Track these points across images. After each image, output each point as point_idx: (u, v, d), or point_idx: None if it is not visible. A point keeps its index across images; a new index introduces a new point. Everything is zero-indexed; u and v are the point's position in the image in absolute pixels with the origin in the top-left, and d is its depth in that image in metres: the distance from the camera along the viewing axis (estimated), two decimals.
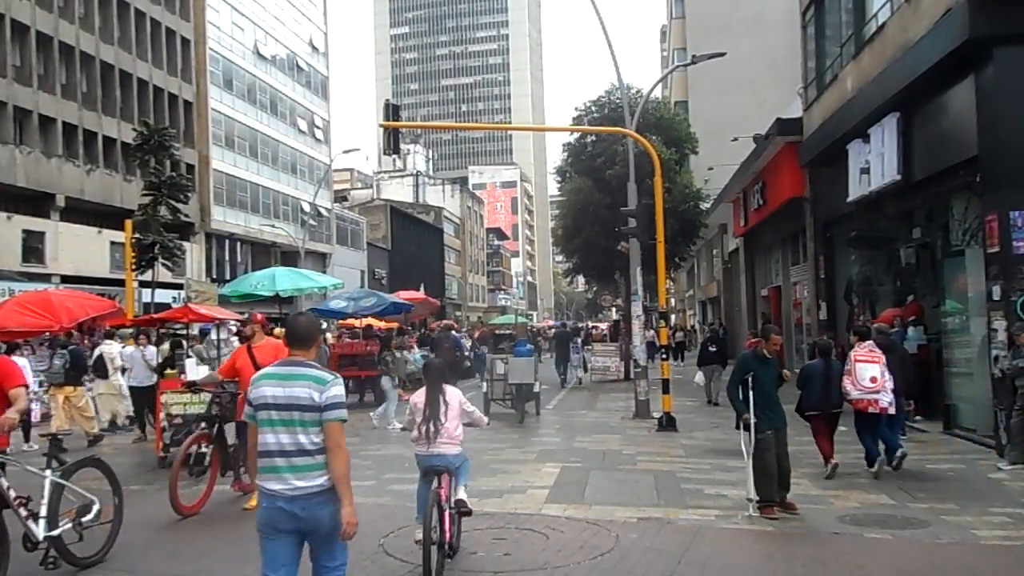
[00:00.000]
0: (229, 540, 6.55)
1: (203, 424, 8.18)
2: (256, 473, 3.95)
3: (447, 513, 5.53)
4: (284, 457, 3.77)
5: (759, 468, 7.13)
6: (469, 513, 5.90)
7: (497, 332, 30.25)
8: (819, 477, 8.73)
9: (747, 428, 7.21)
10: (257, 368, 6.56)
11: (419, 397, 5.88)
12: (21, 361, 12.86)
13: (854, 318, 16.01)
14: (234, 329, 14.70)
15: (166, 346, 13.96)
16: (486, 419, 6.59)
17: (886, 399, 8.56)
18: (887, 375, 8.61)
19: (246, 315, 9.75)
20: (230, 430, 10.46)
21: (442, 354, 17.02)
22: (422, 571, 5.17)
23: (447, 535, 5.50)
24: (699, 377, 16.00)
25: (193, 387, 9.14)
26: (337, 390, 3.88)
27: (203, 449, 7.93)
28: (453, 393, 5.93)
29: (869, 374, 8.60)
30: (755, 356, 7.55)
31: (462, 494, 5.84)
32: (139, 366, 12.91)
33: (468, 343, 28.50)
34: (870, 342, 9.04)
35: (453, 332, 26.29)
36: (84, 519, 5.76)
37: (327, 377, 3.91)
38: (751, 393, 7.25)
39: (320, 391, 3.82)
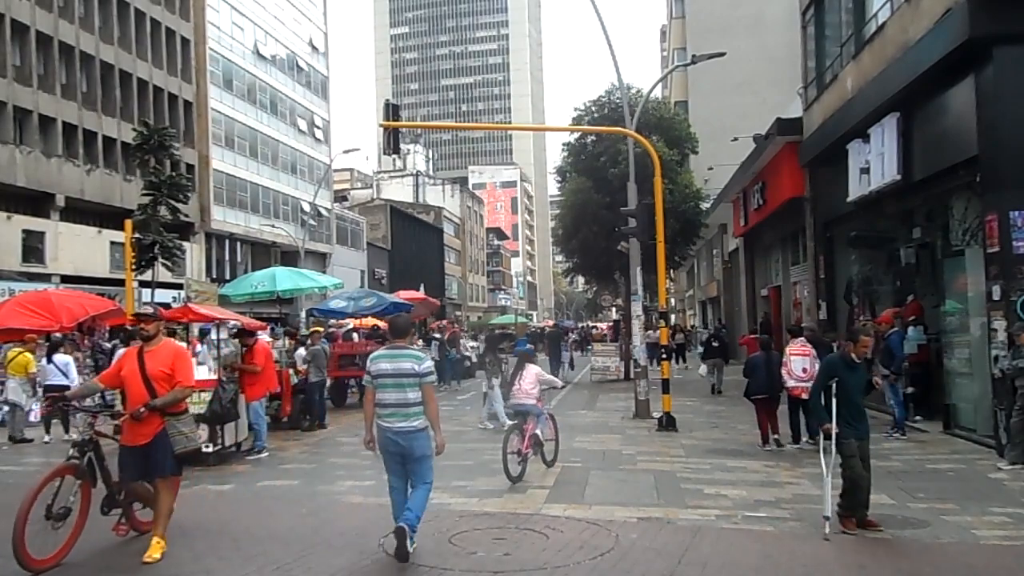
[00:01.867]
0: (229, 540, 6.55)
1: (71, 452, 5.96)
2: (372, 419, 5.89)
3: (528, 437, 8.82)
4: (395, 407, 5.79)
5: (850, 479, 6.56)
6: (542, 445, 9.14)
7: (498, 332, 30.22)
8: (819, 477, 8.72)
9: (827, 438, 6.65)
10: (146, 378, 5.86)
11: (528, 371, 9.39)
12: (65, 359, 13.05)
13: (854, 318, 16.02)
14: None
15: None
16: (559, 382, 11.48)
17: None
18: (817, 366, 9.50)
19: (246, 314, 9.62)
20: (229, 430, 10.49)
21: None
22: (504, 472, 8.41)
23: (525, 448, 8.74)
24: (703, 369, 18.91)
25: (64, 404, 6.78)
26: (428, 364, 5.94)
27: (71, 493, 5.84)
28: (531, 368, 9.47)
29: (801, 366, 10.35)
30: (842, 360, 6.97)
31: (538, 431, 9.05)
32: None
33: (471, 343, 28.57)
34: (802, 338, 10.83)
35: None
36: None
37: (422, 355, 5.98)
38: (834, 401, 6.64)
39: (418, 364, 5.83)
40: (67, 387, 12.59)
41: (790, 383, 10.37)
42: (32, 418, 13.61)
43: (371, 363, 5.96)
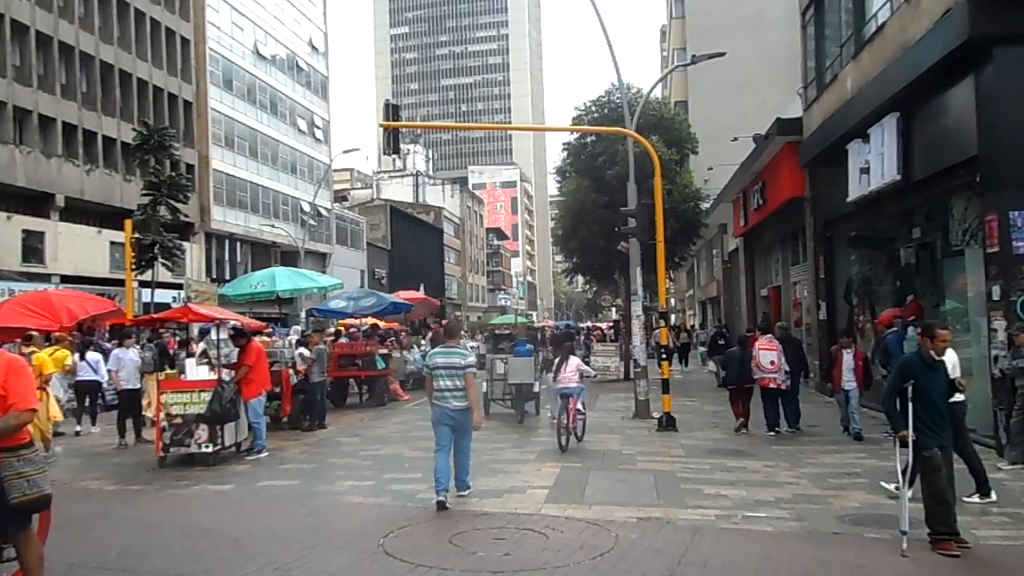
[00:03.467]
0: (229, 540, 6.55)
1: None
2: (433, 398, 7.75)
3: (573, 415, 10.90)
4: (448, 391, 7.66)
5: (932, 494, 5.99)
6: (583, 415, 11.58)
7: (497, 332, 30.21)
8: (819, 477, 8.74)
9: (904, 446, 6.06)
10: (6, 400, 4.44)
11: (570, 361, 11.67)
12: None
13: (854, 318, 16.03)
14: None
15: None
16: (593, 372, 14.21)
17: (780, 377, 11.75)
18: (783, 359, 11.80)
19: (246, 314, 9.66)
20: (229, 430, 10.50)
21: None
22: (557, 444, 10.62)
23: (571, 425, 10.83)
24: (711, 365, 21.40)
25: None
26: (472, 358, 7.88)
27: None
28: (572, 360, 11.76)
29: (768, 359, 11.78)
30: (920, 360, 6.28)
31: (580, 407, 11.29)
32: (128, 367, 12.77)
33: (470, 343, 28.49)
34: (770, 335, 12.36)
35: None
36: None
37: (467, 353, 8.02)
38: (911, 404, 6.05)
39: (463, 359, 7.75)
40: (97, 383, 13.64)
41: (758, 374, 11.85)
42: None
43: (429, 358, 8.07)
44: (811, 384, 15.90)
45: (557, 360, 11.94)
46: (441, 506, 7.40)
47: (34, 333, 13.17)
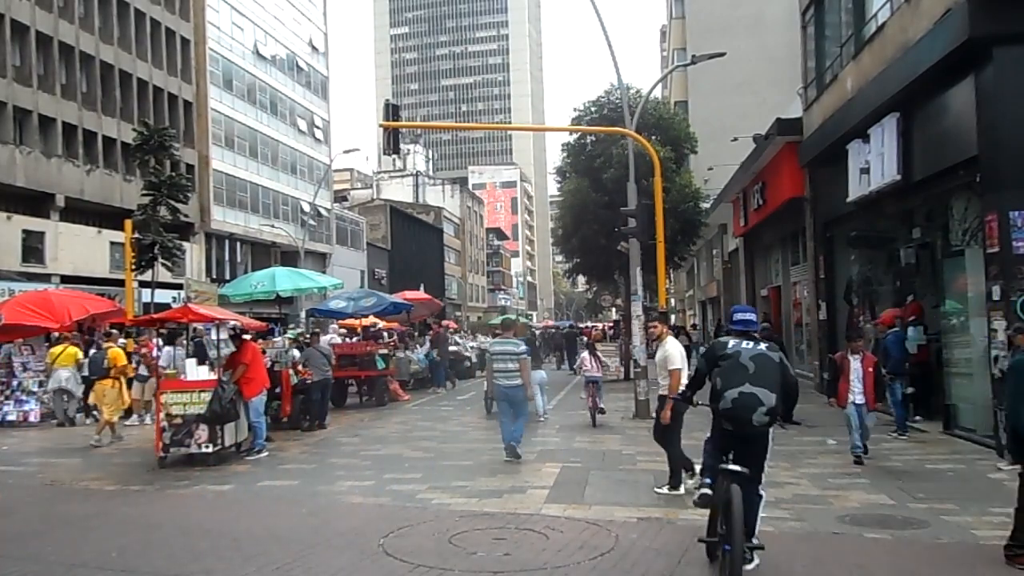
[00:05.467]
0: (229, 540, 6.55)
1: None
2: (491, 380, 10.14)
3: (593, 396, 13.47)
4: (502, 373, 9.71)
5: None
6: (601, 412, 13.70)
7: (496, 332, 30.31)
8: (819, 477, 8.74)
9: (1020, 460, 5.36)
10: None
11: (585, 355, 14.54)
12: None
13: (854, 318, 16.02)
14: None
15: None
16: (612, 364, 17.46)
17: None
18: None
19: (246, 314, 9.72)
20: (229, 430, 10.50)
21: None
22: (590, 420, 13.33)
23: (596, 407, 13.47)
24: None
25: None
26: (523, 348, 9.96)
27: None
28: (591, 355, 14.27)
29: None
30: None
31: (601, 392, 13.90)
32: (179, 364, 13.62)
33: (470, 343, 28.57)
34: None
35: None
36: None
37: (519, 342, 10.06)
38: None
39: (516, 348, 9.82)
40: (147, 378, 14.79)
41: None
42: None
43: (491, 347, 10.62)
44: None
45: (587, 356, 14.48)
46: (509, 451, 9.85)
47: (113, 331, 14.81)
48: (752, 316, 5.91)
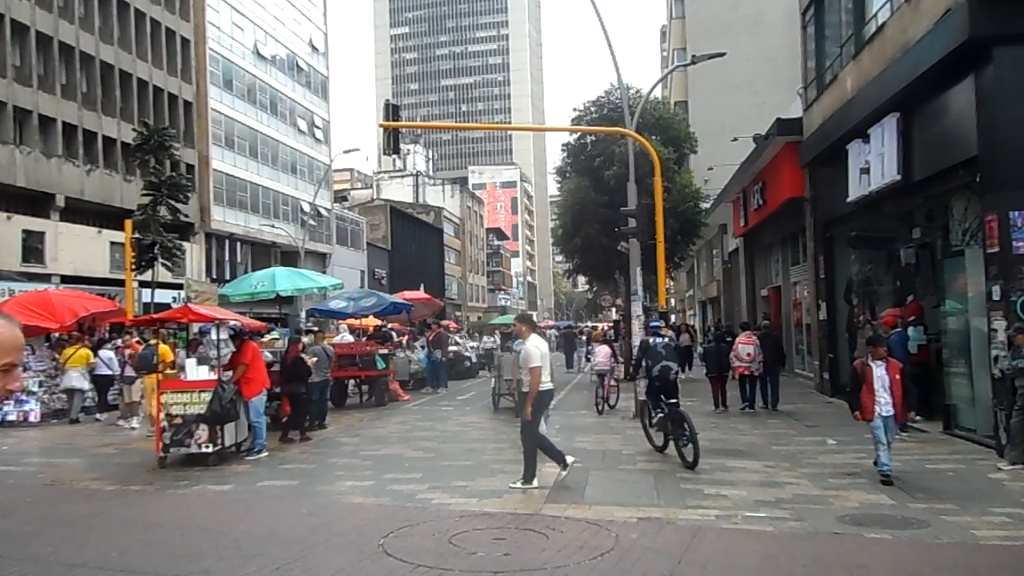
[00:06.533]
0: (229, 540, 6.55)
1: None
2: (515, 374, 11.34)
3: (608, 387, 15.18)
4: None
5: None
6: (616, 386, 15.81)
7: (504, 331, 30.51)
8: (819, 477, 8.74)
9: None
10: None
11: (600, 348, 16.16)
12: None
13: (854, 318, 16.02)
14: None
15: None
16: (622, 363, 18.68)
17: (754, 367, 14.41)
18: (759, 352, 14.33)
19: (246, 314, 9.71)
20: (229, 430, 10.50)
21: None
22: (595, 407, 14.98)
23: (607, 394, 15.16)
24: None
25: None
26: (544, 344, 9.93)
27: None
28: (604, 348, 16.06)
29: (746, 351, 14.37)
30: None
31: (613, 381, 15.58)
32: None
33: (471, 344, 28.60)
34: (748, 331, 15.34)
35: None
36: None
37: (543, 341, 9.08)
38: None
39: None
40: (110, 377, 15.65)
41: (736, 363, 14.50)
42: (88, 403, 16.05)
43: (516, 345, 11.54)
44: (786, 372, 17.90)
45: (603, 349, 16.14)
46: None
47: (163, 329, 15.18)
48: (659, 324, 12.68)
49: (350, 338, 20.46)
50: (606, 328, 40.41)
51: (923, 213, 12.97)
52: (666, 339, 11.09)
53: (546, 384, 8.49)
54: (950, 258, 11.87)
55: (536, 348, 8.46)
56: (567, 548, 6.12)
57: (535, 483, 8.30)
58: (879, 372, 8.44)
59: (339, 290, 21.44)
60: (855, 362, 9.31)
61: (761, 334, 15.16)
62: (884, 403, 8.33)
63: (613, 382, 15.73)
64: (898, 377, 8.46)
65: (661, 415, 10.18)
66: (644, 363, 10.63)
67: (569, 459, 8.51)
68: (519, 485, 8.31)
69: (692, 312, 49.58)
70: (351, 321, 22.63)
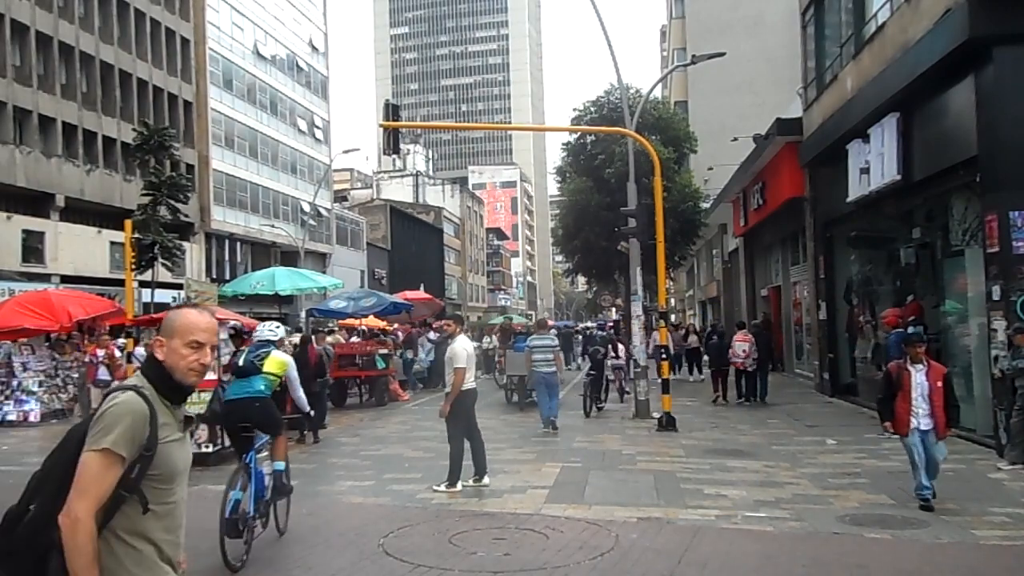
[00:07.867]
0: None
1: None
2: (531, 369, 13.29)
3: (621, 381, 16.93)
4: (542, 362, 12.85)
5: None
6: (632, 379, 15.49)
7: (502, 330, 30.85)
8: (819, 477, 8.75)
9: None
10: None
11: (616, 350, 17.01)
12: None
13: (854, 318, 16.04)
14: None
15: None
16: (633, 358, 16.56)
17: (748, 363, 15.72)
18: (754, 349, 15.67)
19: (246, 314, 9.67)
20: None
21: None
22: (583, 408, 14.80)
23: (623, 385, 16.81)
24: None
25: None
26: (556, 342, 13.51)
27: None
28: (619, 347, 16.93)
29: (742, 348, 15.71)
30: None
31: (611, 375, 16.88)
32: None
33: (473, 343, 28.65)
34: (744, 330, 16.62)
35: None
36: None
37: (554, 337, 13.72)
38: None
39: (552, 342, 13.28)
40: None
41: (733, 359, 15.91)
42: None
43: (530, 341, 13.59)
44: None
45: (608, 346, 17.10)
46: (548, 423, 12.51)
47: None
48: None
49: (355, 338, 20.36)
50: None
51: (923, 213, 12.97)
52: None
53: (469, 384, 8.40)
54: (950, 258, 11.88)
55: (463, 349, 8.40)
56: (567, 548, 6.12)
57: (459, 486, 8.22)
58: (919, 378, 7.14)
59: (339, 290, 21.46)
60: (890, 364, 7.76)
61: (753, 332, 16.52)
62: (922, 414, 7.11)
63: (624, 376, 16.74)
64: (940, 384, 7.13)
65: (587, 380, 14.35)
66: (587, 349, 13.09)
67: (472, 480, 8.42)
68: (443, 488, 8.21)
69: (692, 312, 49.59)
70: (351, 321, 22.61)
